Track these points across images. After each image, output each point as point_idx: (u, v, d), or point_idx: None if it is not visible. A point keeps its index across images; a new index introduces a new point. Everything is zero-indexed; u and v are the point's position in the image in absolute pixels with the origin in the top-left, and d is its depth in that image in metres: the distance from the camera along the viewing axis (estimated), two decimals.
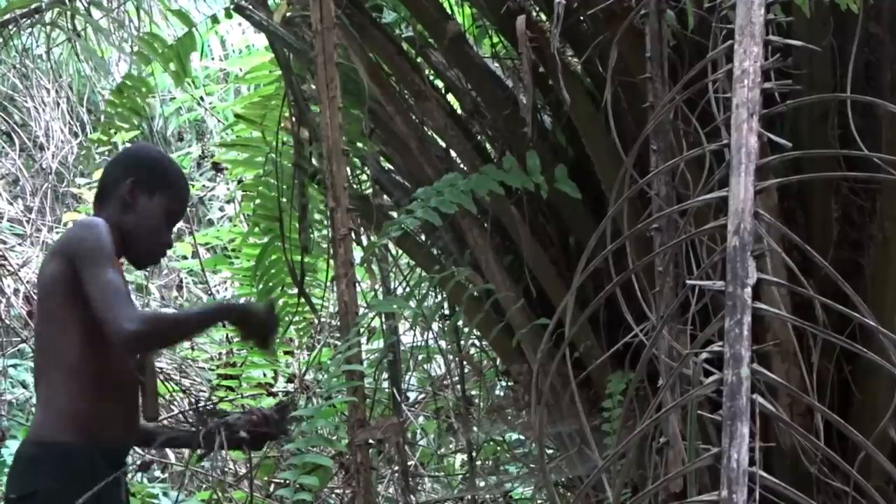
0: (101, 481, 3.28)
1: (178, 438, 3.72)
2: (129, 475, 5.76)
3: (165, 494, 5.46)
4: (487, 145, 4.20)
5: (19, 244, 7.25)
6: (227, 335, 6.29)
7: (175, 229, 6.12)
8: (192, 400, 3.67)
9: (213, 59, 8.38)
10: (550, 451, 4.04)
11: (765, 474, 1.65)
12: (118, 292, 3.23)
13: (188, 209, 3.73)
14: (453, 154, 4.11)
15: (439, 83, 4.29)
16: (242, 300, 4.18)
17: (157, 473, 5.92)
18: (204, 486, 5.69)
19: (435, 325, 4.68)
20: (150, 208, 3.48)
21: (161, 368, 6.19)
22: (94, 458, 3.28)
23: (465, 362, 4.62)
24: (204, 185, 8.06)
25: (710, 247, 2.89)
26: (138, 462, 5.84)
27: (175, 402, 6.08)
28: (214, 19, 4.67)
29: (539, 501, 4.48)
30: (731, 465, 1.63)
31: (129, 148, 4.25)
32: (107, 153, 7.62)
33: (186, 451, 6.01)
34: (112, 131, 4.77)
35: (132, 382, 3.44)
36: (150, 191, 3.47)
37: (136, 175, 3.48)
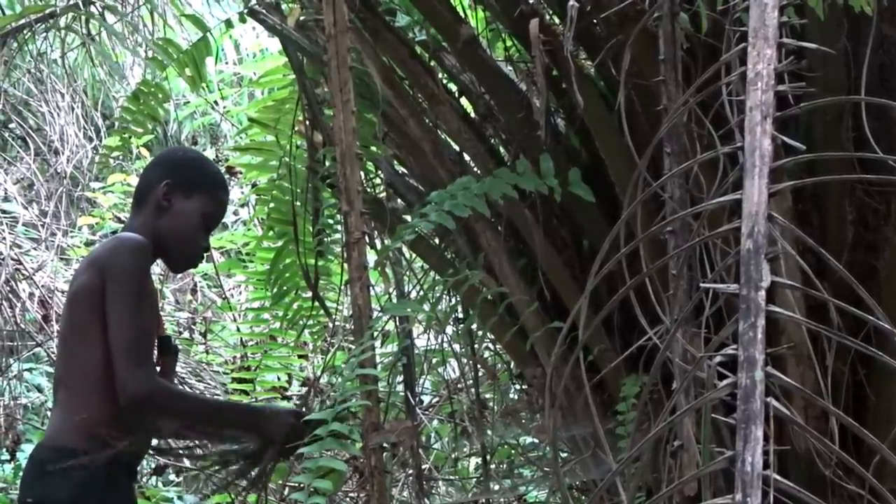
0: (118, 491, 3.29)
1: (189, 449, 3.72)
2: (144, 479, 5.77)
3: (180, 498, 5.47)
4: (501, 148, 4.20)
5: (34, 248, 7.27)
6: (241, 339, 6.30)
7: None
8: None
9: (227, 63, 8.40)
10: (564, 455, 4.03)
11: (779, 478, 1.64)
12: (141, 340, 3.21)
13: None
14: (467, 157, 4.10)
15: (453, 86, 4.29)
16: (268, 406, 3.98)
17: (172, 477, 5.93)
18: (218, 489, 5.70)
19: (449, 329, 4.68)
20: (187, 211, 3.44)
21: (176, 372, 6.21)
22: (112, 466, 3.28)
23: (478, 365, 4.62)
24: None
25: (724, 250, 2.89)
26: (153, 466, 5.87)
27: None
28: (229, 24, 4.67)
29: None
30: (745, 469, 1.63)
31: (165, 151, 4.23)
32: (121, 158, 7.64)
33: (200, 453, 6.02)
34: (128, 137, 4.78)
35: None
36: (186, 193, 3.44)
37: (171, 177, 3.46)
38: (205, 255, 3.54)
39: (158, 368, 3.43)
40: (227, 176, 7.04)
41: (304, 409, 3.29)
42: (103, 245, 3.50)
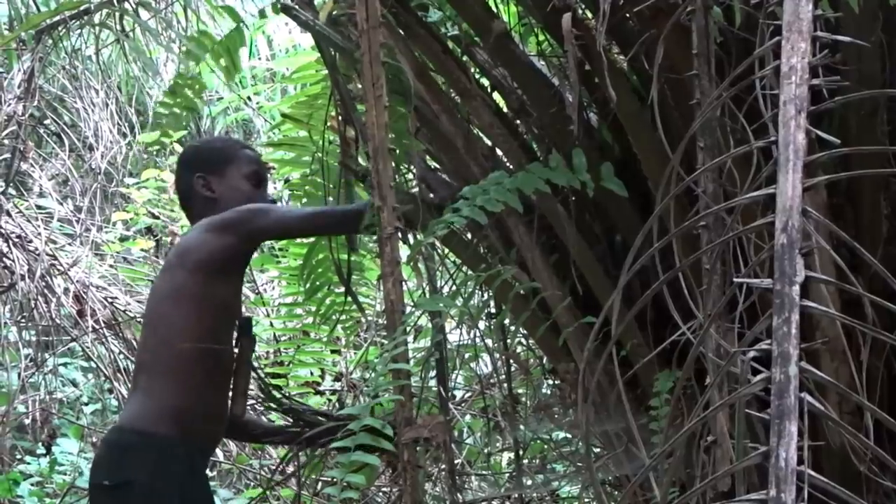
0: (195, 475, 3.34)
1: (279, 434, 3.76)
2: None
3: (214, 492, 5.49)
4: (533, 143, 4.19)
5: (69, 244, 7.31)
6: (274, 334, 6.32)
7: None
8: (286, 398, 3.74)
9: (259, 58, 8.42)
10: (597, 450, 4.03)
11: (813, 473, 1.64)
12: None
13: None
14: (499, 152, 4.10)
15: (485, 81, 4.28)
16: None
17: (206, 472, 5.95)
18: (252, 484, 5.72)
19: (481, 324, 4.68)
20: (231, 185, 3.57)
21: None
22: (191, 451, 3.34)
23: (511, 361, 4.62)
24: None
25: (758, 244, 2.87)
26: None
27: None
28: (262, 14, 4.69)
29: (586, 500, 4.47)
30: (779, 464, 1.62)
31: (180, 154, 4.31)
32: (155, 154, 7.68)
33: (234, 449, 6.05)
34: (166, 131, 4.81)
35: (227, 380, 3.49)
36: (219, 173, 3.56)
37: (198, 170, 3.58)
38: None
39: (236, 350, 3.50)
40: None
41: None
42: (174, 248, 3.65)
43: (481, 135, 4.16)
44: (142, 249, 7.12)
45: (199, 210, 3.58)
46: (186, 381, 3.36)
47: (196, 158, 3.66)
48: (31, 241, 6.54)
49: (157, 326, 3.46)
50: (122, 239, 7.26)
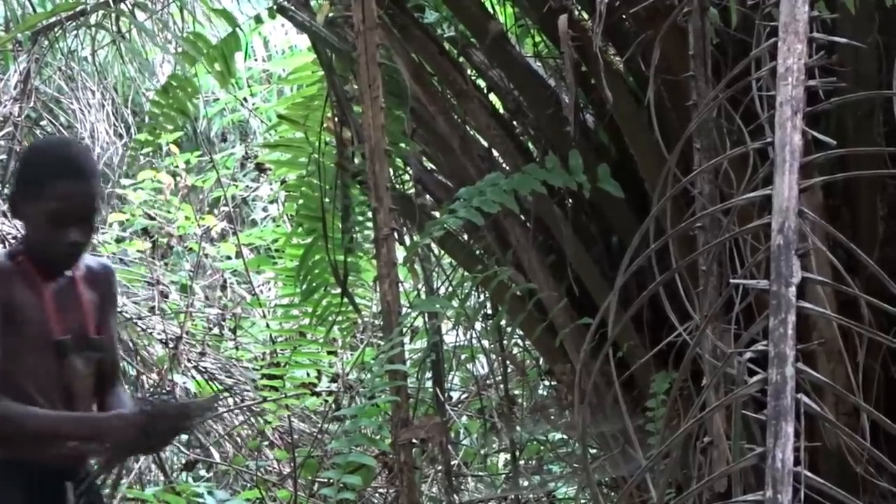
0: (42, 493, 3.14)
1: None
2: (175, 475, 5.79)
3: (210, 493, 5.48)
4: (530, 144, 4.19)
5: None
6: (270, 336, 6.32)
7: (218, 229, 6.05)
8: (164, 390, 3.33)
9: (256, 59, 8.41)
10: (594, 451, 4.03)
11: (810, 474, 1.64)
12: None
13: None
14: (496, 153, 4.10)
15: (482, 83, 4.28)
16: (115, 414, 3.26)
17: (203, 473, 5.95)
18: (248, 485, 5.71)
19: (478, 325, 4.68)
20: (30, 216, 3.13)
21: (206, 368, 6.23)
22: (32, 471, 3.17)
23: (507, 362, 4.61)
24: (247, 186, 8.09)
25: (755, 245, 2.87)
26: (184, 462, 5.89)
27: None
28: (258, 19, 4.68)
29: (583, 501, 4.47)
30: (775, 465, 1.62)
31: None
32: (151, 155, 7.67)
33: (231, 451, 6.04)
34: (157, 132, 4.80)
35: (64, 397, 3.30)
36: (25, 198, 3.14)
37: (14, 185, 3.24)
38: (79, 249, 3.15)
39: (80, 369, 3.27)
40: (256, 173, 7.02)
41: (150, 414, 3.08)
42: None
43: (478, 136, 4.16)
44: (138, 251, 7.11)
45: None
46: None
47: (17, 171, 3.29)
48: None
49: None
50: (119, 240, 7.24)
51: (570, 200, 3.82)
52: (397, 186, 4.44)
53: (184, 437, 5.73)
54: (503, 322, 4.38)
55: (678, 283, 2.90)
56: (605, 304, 2.26)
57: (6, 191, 6.20)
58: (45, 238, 3.10)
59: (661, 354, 3.10)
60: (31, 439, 3.10)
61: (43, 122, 7.92)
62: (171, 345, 6.14)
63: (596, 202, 3.86)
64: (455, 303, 4.39)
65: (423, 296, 4.69)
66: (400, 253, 3.71)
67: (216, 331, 6.86)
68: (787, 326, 1.71)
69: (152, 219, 7.26)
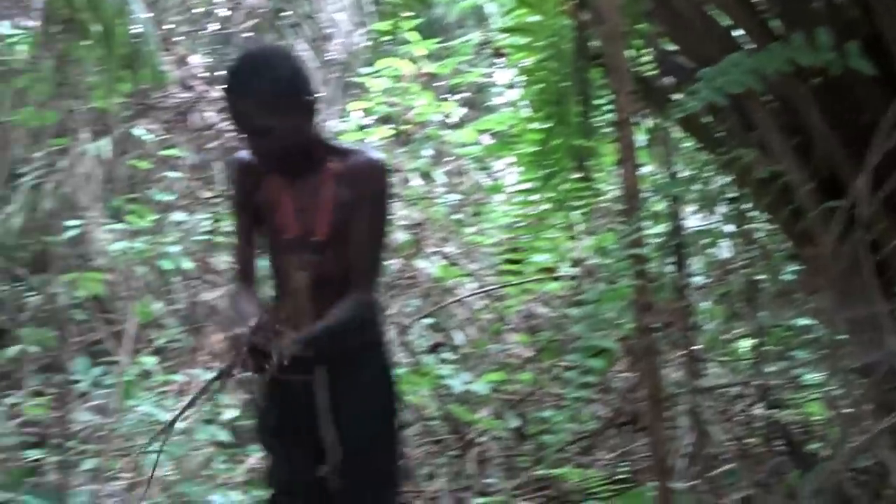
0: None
1: None
2: (420, 357, 5.94)
3: (454, 376, 5.61)
4: (775, 22, 4.07)
5: None
6: (510, 221, 6.37)
7: (457, 116, 6.14)
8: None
9: None
10: (842, 337, 3.94)
11: None
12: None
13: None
14: (738, 32, 3.99)
15: None
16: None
17: (447, 355, 6.08)
18: (491, 368, 5.81)
19: (721, 208, 4.61)
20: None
21: (448, 254, 6.34)
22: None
23: (752, 246, 4.54)
24: (484, 73, 8.10)
25: None
26: (429, 344, 6.04)
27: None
28: None
29: (831, 388, 4.39)
30: None
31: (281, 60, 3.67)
32: (391, 42, 7.76)
33: (474, 335, 6.15)
34: (396, 20, 4.84)
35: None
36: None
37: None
38: (266, 155, 3.29)
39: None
40: (493, 58, 7.04)
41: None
42: None
43: (719, 14, 4.05)
44: (381, 138, 7.23)
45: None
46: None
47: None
48: None
49: None
50: (361, 128, 7.36)
51: (818, 79, 3.69)
52: (637, 69, 4.38)
53: (426, 321, 5.87)
54: (747, 205, 4.30)
55: None
56: (855, 185, 2.19)
57: None
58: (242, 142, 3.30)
59: None
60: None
61: (285, 13, 8.08)
62: (414, 231, 6.27)
63: (845, 81, 3.73)
64: (697, 186, 4.33)
65: (664, 179, 4.64)
66: (640, 136, 3.66)
67: (457, 216, 6.96)
68: None
69: (393, 106, 7.37)
